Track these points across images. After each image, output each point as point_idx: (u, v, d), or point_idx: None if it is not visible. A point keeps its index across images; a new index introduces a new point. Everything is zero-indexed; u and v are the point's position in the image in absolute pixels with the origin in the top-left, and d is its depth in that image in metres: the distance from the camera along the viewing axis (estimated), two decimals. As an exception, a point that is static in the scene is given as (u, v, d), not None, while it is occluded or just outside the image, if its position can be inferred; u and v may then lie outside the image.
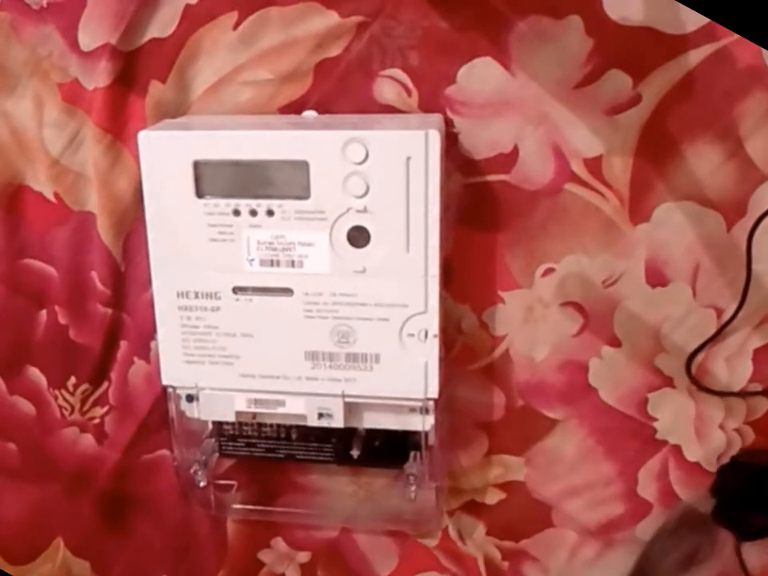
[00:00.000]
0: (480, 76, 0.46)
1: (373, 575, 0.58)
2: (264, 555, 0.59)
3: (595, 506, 0.54)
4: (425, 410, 0.47)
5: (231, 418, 0.49)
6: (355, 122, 0.46)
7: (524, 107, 0.46)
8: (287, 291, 0.45)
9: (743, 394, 0.50)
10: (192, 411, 0.49)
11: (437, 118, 0.46)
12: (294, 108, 0.48)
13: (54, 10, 0.48)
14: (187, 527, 0.59)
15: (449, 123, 0.46)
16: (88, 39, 0.48)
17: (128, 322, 0.54)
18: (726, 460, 0.51)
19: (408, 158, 0.42)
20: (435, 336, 0.45)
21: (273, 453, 0.52)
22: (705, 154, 0.46)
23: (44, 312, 0.55)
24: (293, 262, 0.45)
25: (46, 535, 0.62)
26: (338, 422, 0.47)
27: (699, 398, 0.50)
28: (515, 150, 0.47)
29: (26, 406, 0.58)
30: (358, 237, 0.44)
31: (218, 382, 0.48)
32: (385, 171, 0.42)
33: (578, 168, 0.47)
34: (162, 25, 0.47)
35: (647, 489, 0.53)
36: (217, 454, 0.52)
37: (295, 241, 0.44)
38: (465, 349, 0.51)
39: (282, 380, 0.47)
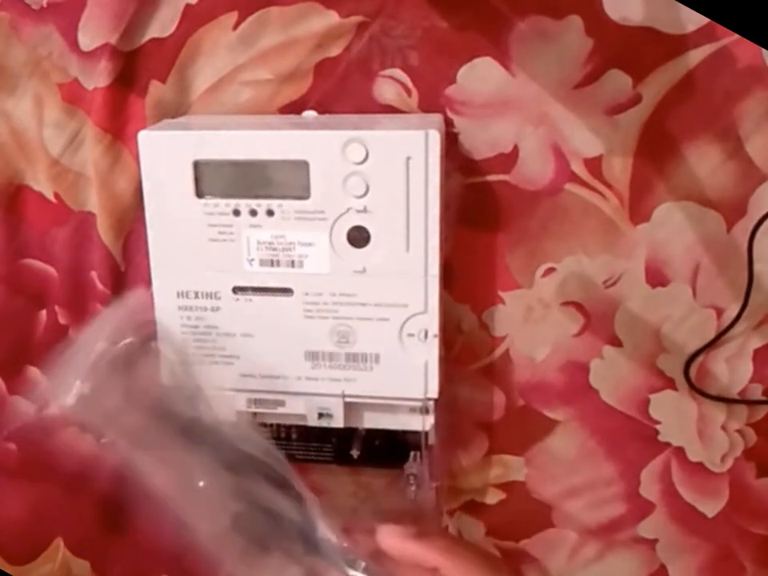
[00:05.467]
0: (480, 76, 0.46)
1: (373, 575, 0.58)
2: (264, 555, 0.59)
3: (596, 506, 0.54)
4: (425, 410, 0.46)
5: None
6: (355, 122, 0.46)
7: (524, 107, 0.46)
8: (287, 291, 0.45)
9: (742, 401, 0.50)
10: (192, 411, 0.49)
11: (437, 118, 0.46)
12: (294, 108, 0.48)
13: (54, 10, 0.48)
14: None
15: (449, 123, 0.46)
16: (88, 39, 0.48)
17: (128, 322, 0.54)
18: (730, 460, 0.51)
19: (408, 158, 0.42)
20: (435, 336, 0.45)
21: (273, 453, 0.52)
22: (705, 153, 0.46)
23: (44, 312, 0.55)
24: (293, 262, 0.45)
25: (46, 535, 0.62)
26: (337, 422, 0.47)
27: (701, 400, 0.50)
28: (515, 150, 0.47)
29: (26, 406, 0.58)
30: (358, 237, 0.44)
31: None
32: (385, 171, 0.42)
33: (578, 168, 0.47)
34: (161, 25, 0.47)
35: (649, 489, 0.53)
36: (217, 454, 0.52)
37: (295, 241, 0.44)
38: (465, 349, 0.51)
39: (281, 380, 0.47)
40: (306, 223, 0.44)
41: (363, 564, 0.36)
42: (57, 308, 0.55)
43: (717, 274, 0.48)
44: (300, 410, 0.47)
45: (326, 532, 0.37)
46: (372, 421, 0.48)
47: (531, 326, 0.50)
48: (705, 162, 0.46)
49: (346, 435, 0.50)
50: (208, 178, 0.44)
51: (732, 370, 0.49)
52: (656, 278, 0.48)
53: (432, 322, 0.45)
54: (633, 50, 0.44)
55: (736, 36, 0.43)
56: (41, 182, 0.52)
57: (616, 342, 0.50)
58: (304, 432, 0.50)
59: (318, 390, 0.47)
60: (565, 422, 0.52)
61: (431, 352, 0.45)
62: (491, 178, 0.48)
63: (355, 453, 0.49)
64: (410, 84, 0.46)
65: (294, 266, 0.45)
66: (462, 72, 0.46)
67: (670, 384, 0.50)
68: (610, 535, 0.54)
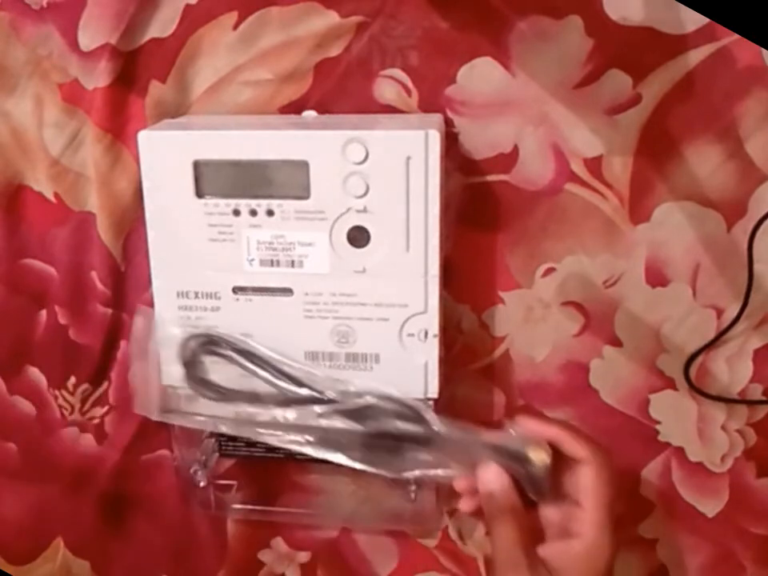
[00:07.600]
0: (480, 76, 0.46)
1: (373, 575, 0.58)
2: (264, 555, 0.59)
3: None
4: (425, 410, 0.46)
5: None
6: (355, 122, 0.46)
7: (524, 107, 0.46)
8: (287, 291, 0.45)
9: (742, 401, 0.50)
10: (192, 411, 0.49)
11: (437, 118, 0.46)
12: (294, 108, 0.48)
13: (54, 10, 0.48)
14: (187, 527, 0.59)
15: (449, 123, 0.46)
16: (88, 39, 0.48)
17: (128, 322, 0.54)
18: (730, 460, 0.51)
19: (408, 158, 0.42)
20: (435, 336, 0.45)
21: (273, 453, 0.52)
22: (705, 154, 0.46)
23: (44, 312, 0.55)
24: (293, 262, 0.45)
25: (46, 535, 0.62)
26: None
27: (701, 400, 0.50)
28: (515, 150, 0.47)
29: (26, 406, 0.58)
30: (358, 237, 0.44)
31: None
32: (385, 171, 0.42)
33: (578, 168, 0.47)
34: (162, 25, 0.47)
35: (649, 489, 0.53)
36: (217, 454, 0.52)
37: (295, 241, 0.44)
38: (465, 349, 0.51)
39: (282, 380, 0.47)
40: (305, 223, 0.44)
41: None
42: (57, 308, 0.55)
43: (717, 273, 0.48)
44: (300, 409, 0.47)
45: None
46: (372, 421, 0.48)
47: (531, 326, 0.50)
48: (705, 161, 0.46)
49: (346, 435, 0.50)
50: (208, 178, 0.44)
51: (732, 370, 0.49)
52: (656, 277, 0.48)
53: (432, 322, 0.45)
54: (633, 49, 0.44)
55: (736, 36, 0.43)
56: (41, 182, 0.52)
57: (616, 342, 0.50)
58: (304, 432, 0.50)
59: (318, 390, 0.47)
60: (565, 422, 0.52)
61: (431, 352, 0.45)
62: (491, 178, 0.48)
63: (355, 453, 0.49)
64: (409, 84, 0.46)
65: (293, 266, 0.45)
66: (462, 72, 0.46)
67: (670, 384, 0.50)
68: (609, 535, 0.54)
